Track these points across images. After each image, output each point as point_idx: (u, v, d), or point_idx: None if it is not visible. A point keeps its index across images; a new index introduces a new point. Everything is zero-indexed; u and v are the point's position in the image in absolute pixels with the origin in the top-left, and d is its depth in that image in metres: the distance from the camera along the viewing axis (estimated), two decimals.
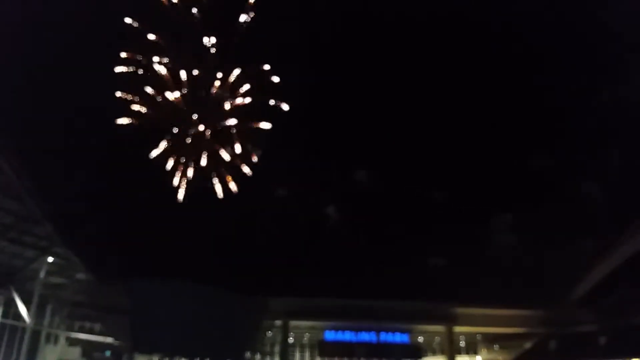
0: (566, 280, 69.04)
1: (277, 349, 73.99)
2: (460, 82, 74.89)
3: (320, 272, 71.32)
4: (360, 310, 70.37)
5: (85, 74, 61.32)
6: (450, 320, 72.16)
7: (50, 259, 58.57)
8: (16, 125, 51.59)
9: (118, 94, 62.88)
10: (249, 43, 64.69)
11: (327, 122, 74.46)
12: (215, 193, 68.91)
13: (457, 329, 73.25)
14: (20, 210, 51.70)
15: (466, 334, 76.47)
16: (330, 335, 72.08)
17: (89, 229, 60.76)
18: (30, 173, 50.60)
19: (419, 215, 79.46)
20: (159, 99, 64.79)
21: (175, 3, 62.61)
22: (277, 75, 66.30)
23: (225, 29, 64.44)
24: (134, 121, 64.28)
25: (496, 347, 77.34)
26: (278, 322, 71.67)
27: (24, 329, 58.18)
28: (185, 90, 65.27)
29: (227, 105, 66.96)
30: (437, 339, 76.77)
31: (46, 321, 63.81)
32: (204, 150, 68.56)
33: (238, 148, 68.46)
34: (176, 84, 64.76)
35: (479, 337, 77.37)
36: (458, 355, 74.36)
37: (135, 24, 61.52)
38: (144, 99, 64.41)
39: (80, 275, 62.49)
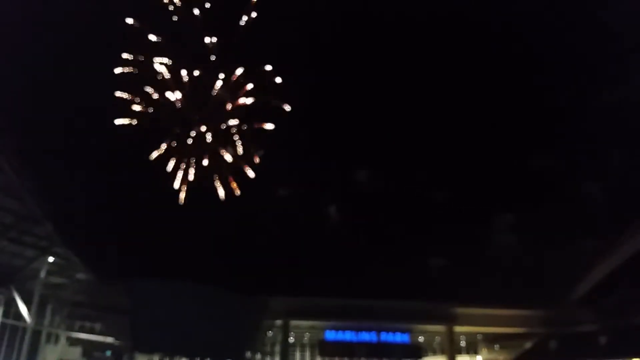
0: (566, 280, 69.09)
1: (277, 348, 73.98)
2: (460, 82, 74.93)
3: (320, 272, 71.40)
4: (360, 310, 70.39)
5: (86, 74, 61.37)
6: (450, 320, 72.16)
7: (50, 259, 58.62)
8: (17, 125, 51.60)
9: (119, 94, 62.84)
10: (250, 43, 64.69)
11: (327, 122, 74.50)
12: (216, 194, 68.89)
13: (458, 328, 73.23)
14: (21, 209, 51.73)
15: (466, 334, 76.45)
16: (330, 335, 72.08)
17: (90, 228, 60.77)
18: (31, 173, 50.69)
19: (420, 216, 79.54)
20: (160, 99, 64.77)
21: (176, 3, 62.61)
22: (278, 75, 66.29)
23: (227, 29, 64.41)
24: (134, 121, 64.28)
25: (497, 347, 77.32)
26: (278, 322, 71.68)
27: (24, 329, 58.24)
28: (186, 91, 65.23)
29: (228, 106, 66.89)
30: (438, 338, 76.76)
31: (47, 321, 63.84)
32: (206, 151, 68.53)
33: (240, 149, 68.39)
34: (177, 85, 64.74)
35: (479, 337, 77.34)
36: (458, 355, 74.36)
37: (136, 24, 61.55)
38: (145, 99, 64.42)
39: (81, 275, 62.54)
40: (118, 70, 61.58)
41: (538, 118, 74.10)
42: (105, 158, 65.01)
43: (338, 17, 73.51)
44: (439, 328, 73.95)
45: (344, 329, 72.15)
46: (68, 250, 57.55)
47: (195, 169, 68.03)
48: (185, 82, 64.98)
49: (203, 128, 67.47)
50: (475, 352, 77.24)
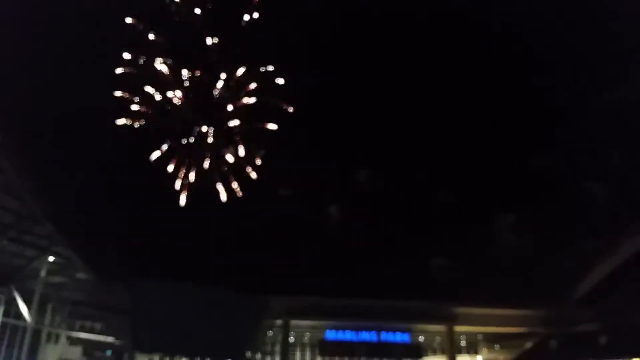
0: (567, 280, 69.09)
1: (277, 348, 73.91)
2: (461, 83, 74.90)
3: (321, 271, 71.38)
4: (361, 309, 70.44)
5: (87, 73, 61.39)
6: (450, 319, 72.18)
7: (51, 258, 58.75)
8: (17, 124, 51.65)
9: (119, 94, 62.84)
10: (252, 43, 64.68)
11: (327, 122, 74.48)
12: (217, 194, 68.85)
13: (458, 328, 73.24)
14: (21, 209, 51.89)
15: (467, 334, 76.38)
16: (331, 335, 72.11)
17: (90, 228, 60.79)
18: (31, 172, 50.77)
19: (420, 215, 79.51)
20: (161, 99, 64.73)
21: (177, 2, 62.59)
22: (279, 75, 66.23)
23: (228, 29, 64.37)
24: (135, 121, 64.26)
25: (497, 346, 77.24)
26: (279, 322, 71.67)
27: (25, 328, 58.38)
28: (187, 91, 65.16)
29: (230, 107, 66.80)
30: (438, 338, 76.69)
31: (47, 320, 64.00)
32: (207, 152, 68.46)
33: (242, 150, 68.31)
34: (178, 85, 64.69)
35: (479, 336, 77.26)
36: (459, 354, 74.34)
37: (137, 24, 61.54)
38: (146, 100, 64.39)
39: (81, 275, 62.58)
40: (119, 71, 61.71)
41: (538, 118, 74.10)
42: (106, 158, 65.01)
43: (339, 17, 73.53)
44: (439, 328, 73.95)
45: (344, 328, 72.18)
46: (68, 250, 57.65)
47: (197, 170, 67.99)
48: (187, 83, 64.98)
49: (204, 128, 67.44)
50: (476, 352, 77.20)
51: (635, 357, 58.16)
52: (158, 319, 58.48)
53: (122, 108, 62.32)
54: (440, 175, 77.77)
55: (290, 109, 66.67)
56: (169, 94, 64.01)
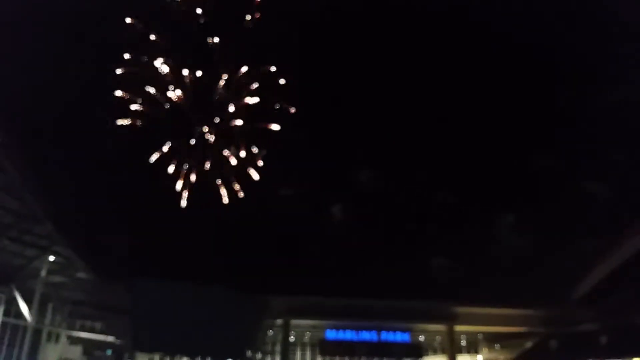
0: (567, 280, 69.10)
1: (278, 347, 74.00)
2: (462, 83, 74.81)
3: (321, 271, 71.23)
4: (361, 309, 70.51)
5: (87, 73, 61.38)
6: (451, 319, 72.25)
7: (51, 258, 58.84)
8: (18, 124, 51.67)
9: (120, 94, 62.79)
10: (253, 43, 64.59)
11: (327, 121, 74.33)
12: (218, 195, 68.74)
13: (458, 328, 73.31)
14: (22, 209, 52.00)
15: (467, 333, 76.41)
16: (331, 334, 72.19)
17: (90, 227, 60.84)
18: (31, 172, 50.82)
19: (420, 215, 79.43)
20: (162, 99, 64.61)
21: (178, 2, 62.50)
22: (281, 74, 66.12)
23: (230, 28, 64.26)
24: (136, 122, 64.19)
25: (497, 346, 77.32)
26: (279, 321, 71.74)
27: (25, 328, 58.51)
28: (188, 91, 65.01)
29: (231, 107, 66.64)
30: (438, 338, 76.74)
31: (47, 320, 64.12)
32: (208, 152, 68.31)
33: (243, 151, 68.15)
34: (179, 85, 64.57)
35: (480, 336, 77.27)
36: (459, 354, 74.41)
37: (137, 24, 61.44)
38: (147, 100, 64.31)
39: (81, 274, 62.68)
40: (119, 71, 61.63)
41: (538, 118, 73.99)
42: (106, 158, 64.98)
43: (341, 17, 73.42)
44: (440, 327, 74.01)
45: (344, 328, 72.28)
46: (68, 250, 57.74)
47: (198, 171, 67.86)
48: (188, 82, 64.85)
49: (205, 129, 67.29)
50: (476, 352, 77.26)
51: (636, 357, 58.25)
52: (158, 319, 58.54)
53: (122, 108, 62.26)
54: (440, 175, 77.66)
55: (292, 110, 66.64)
56: (170, 93, 63.93)
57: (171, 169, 66.45)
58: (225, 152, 67.51)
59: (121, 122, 62.70)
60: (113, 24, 59.38)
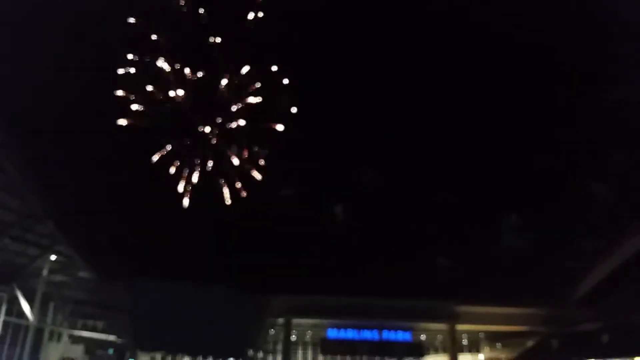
0: (569, 279, 69.03)
1: (279, 347, 74.16)
2: (463, 84, 74.71)
3: (322, 270, 71.19)
4: (362, 308, 70.54)
5: (88, 73, 61.41)
6: (452, 318, 72.23)
7: (53, 257, 59.02)
8: (18, 123, 51.79)
9: (121, 93, 62.80)
10: (255, 42, 64.55)
11: (328, 121, 74.28)
12: (218, 194, 68.72)
13: (460, 327, 73.27)
14: (23, 208, 52.18)
15: (469, 332, 76.40)
16: (332, 333, 72.26)
17: (91, 227, 60.92)
18: (33, 171, 50.96)
19: (422, 214, 79.33)
20: (163, 98, 64.58)
21: (180, 1, 62.46)
22: (282, 74, 66.03)
23: (232, 28, 64.20)
24: (137, 121, 64.19)
25: (499, 345, 77.30)
26: (280, 320, 71.86)
27: (27, 327, 58.71)
28: (190, 91, 64.96)
29: (233, 107, 66.58)
30: (440, 337, 76.78)
31: (49, 319, 64.35)
32: (210, 153, 68.24)
33: (246, 151, 68.09)
34: (181, 84, 64.54)
35: (481, 335, 77.27)
36: (460, 353, 74.40)
37: (139, 23, 61.40)
38: (148, 99, 64.30)
39: (83, 273, 62.87)
40: (121, 71, 61.62)
41: (538, 118, 73.85)
42: (107, 157, 65.03)
43: (342, 17, 73.36)
44: (441, 326, 74.00)
45: (346, 327, 72.38)
46: (70, 249, 57.89)
47: (199, 172, 67.83)
48: (189, 82, 64.83)
49: (207, 129, 67.23)
50: (478, 351, 77.26)
51: (637, 356, 58.16)
52: (160, 318, 58.66)
53: (123, 108, 62.27)
54: (441, 175, 77.56)
55: (294, 109, 66.58)
56: (171, 93, 63.92)
57: (172, 169, 66.57)
58: (228, 152, 67.49)
59: (122, 122, 62.76)
60: (114, 23, 59.34)
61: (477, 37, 71.52)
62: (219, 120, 65.48)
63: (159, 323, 58.38)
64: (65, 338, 66.35)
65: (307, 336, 76.63)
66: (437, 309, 71.82)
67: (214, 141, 66.43)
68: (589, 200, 70.19)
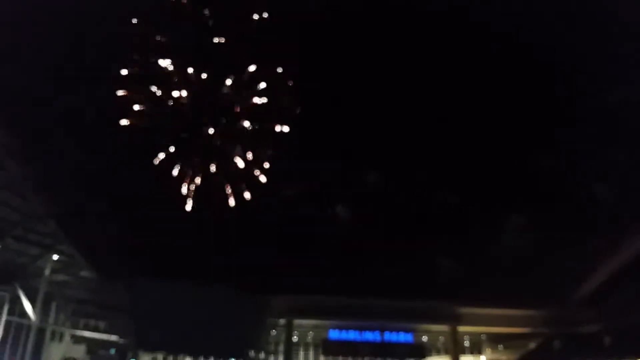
0: (570, 280, 68.94)
1: (281, 347, 74.20)
2: (464, 83, 74.75)
3: (324, 271, 71.22)
4: (364, 309, 70.48)
5: (91, 73, 61.56)
6: (454, 319, 72.10)
7: (55, 257, 59.10)
8: (20, 123, 51.94)
9: (124, 93, 62.86)
10: (260, 43, 64.60)
11: (330, 122, 74.34)
12: (220, 195, 68.70)
13: (462, 328, 73.12)
14: (25, 207, 52.27)
15: (470, 334, 76.31)
16: (334, 334, 72.17)
17: (93, 226, 61.03)
18: (35, 170, 51.10)
19: (423, 215, 79.27)
20: (166, 99, 64.59)
21: (183, 2, 62.49)
22: (286, 75, 66.02)
23: (236, 28, 64.23)
24: (139, 122, 64.25)
25: (500, 347, 77.21)
26: (282, 321, 71.82)
27: (29, 327, 58.78)
28: (193, 91, 64.94)
29: (237, 108, 66.54)
30: (442, 338, 76.69)
31: (51, 319, 64.39)
32: (213, 155, 68.16)
33: (250, 152, 68.00)
34: (184, 85, 64.54)
35: (483, 336, 77.22)
36: (462, 355, 74.20)
37: (142, 23, 61.46)
38: (151, 100, 64.33)
39: (85, 273, 62.94)
40: (124, 72, 61.69)
41: (539, 118, 73.82)
42: (109, 157, 65.15)
43: (343, 18, 73.45)
44: (443, 328, 73.86)
45: (347, 328, 72.26)
46: (72, 248, 57.98)
47: (203, 174, 67.74)
48: (193, 82, 64.81)
49: (211, 130, 67.15)
50: (479, 352, 77.17)
51: (639, 357, 57.97)
52: (161, 318, 58.73)
53: (125, 108, 62.37)
54: (443, 175, 77.57)
55: (298, 111, 66.61)
56: (175, 93, 63.94)
57: (175, 171, 66.61)
58: (232, 154, 67.44)
59: (124, 122, 62.84)
60: (116, 23, 59.50)
61: (477, 37, 71.63)
62: (223, 121, 65.62)
63: (161, 323, 58.43)
64: (67, 338, 66.39)
65: (309, 337, 76.61)
66: (439, 310, 71.72)
67: (217, 142, 66.56)
68: (590, 201, 70.14)
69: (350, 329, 72.25)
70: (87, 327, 68.49)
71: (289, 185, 76.12)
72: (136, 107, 62.59)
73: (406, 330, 72.81)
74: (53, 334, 64.57)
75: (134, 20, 59.44)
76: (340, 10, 70.93)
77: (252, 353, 69.33)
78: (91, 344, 67.61)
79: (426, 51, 72.87)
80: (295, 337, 74.00)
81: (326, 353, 73.03)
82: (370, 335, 72.03)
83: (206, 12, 61.77)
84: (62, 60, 57.82)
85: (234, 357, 64.91)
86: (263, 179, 67.03)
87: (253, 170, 66.59)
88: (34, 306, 58.08)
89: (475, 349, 77.18)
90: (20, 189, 49.99)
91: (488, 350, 77.35)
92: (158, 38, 61.05)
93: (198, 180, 66.63)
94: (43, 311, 60.58)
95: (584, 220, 68.23)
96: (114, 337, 66.48)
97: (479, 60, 72.98)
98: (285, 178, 73.35)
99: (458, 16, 70.40)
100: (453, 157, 76.05)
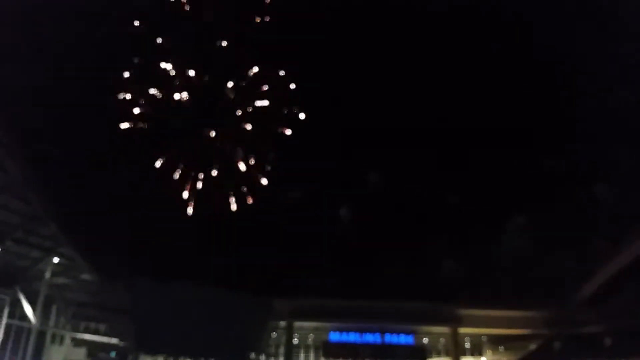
0: (571, 282, 68.99)
1: (281, 350, 74.06)
2: (464, 84, 74.94)
3: (324, 273, 71.35)
4: (365, 311, 70.33)
5: (93, 75, 61.54)
6: (455, 321, 72.05)
7: (55, 260, 58.91)
8: (21, 125, 51.91)
9: (125, 96, 62.85)
10: (262, 46, 64.64)
11: (332, 123, 74.42)
12: (223, 198, 68.63)
13: (462, 330, 73.05)
14: (26, 210, 52.09)
15: (471, 335, 76.20)
16: (334, 337, 72.11)
17: (94, 229, 60.93)
18: (36, 174, 50.99)
19: (424, 217, 79.34)
20: (168, 102, 64.55)
21: (185, 4, 62.49)
22: (287, 77, 65.99)
23: (239, 31, 64.24)
24: (140, 124, 64.22)
25: (501, 348, 77.14)
26: (282, 323, 71.74)
27: (29, 330, 58.57)
28: (195, 94, 64.86)
29: (239, 112, 66.48)
30: (442, 340, 76.53)
31: (52, 322, 64.19)
32: (215, 159, 68.04)
33: (251, 154, 67.91)
34: (186, 87, 64.49)
35: (484, 338, 77.13)
36: (463, 356, 74.09)
37: (144, 26, 61.43)
38: (152, 102, 64.28)
39: (85, 276, 62.75)
40: (126, 74, 61.67)
41: (541, 120, 73.99)
42: (110, 159, 65.11)
43: (344, 19, 73.56)
44: (444, 329, 73.83)
45: (348, 330, 72.18)
46: (73, 251, 57.83)
47: (204, 178, 67.59)
48: (195, 85, 64.70)
49: (212, 133, 67.04)
50: (480, 354, 77.05)
51: None
52: (161, 321, 58.55)
53: (126, 110, 62.38)
54: (445, 177, 77.74)
55: (302, 116, 66.59)
56: (176, 96, 63.88)
57: (176, 173, 66.55)
58: (233, 157, 67.35)
59: (124, 125, 62.83)
60: (117, 25, 59.53)
61: (478, 38, 71.88)
62: (225, 124, 65.59)
63: (161, 326, 58.27)
64: (67, 341, 66.24)
65: (309, 339, 76.41)
66: (440, 312, 71.72)
67: (218, 144, 66.56)
68: (591, 204, 70.24)
69: (351, 331, 72.18)
70: (87, 330, 68.36)
71: (290, 188, 76.16)
72: (136, 110, 62.75)
73: (407, 332, 72.78)
74: (53, 337, 64.37)
75: (136, 23, 59.55)
76: (341, 11, 71.09)
77: (252, 355, 69.23)
78: (91, 346, 67.50)
79: (427, 52, 73.11)
80: (295, 339, 73.90)
81: (327, 355, 72.86)
82: (370, 337, 71.98)
83: (207, 14, 61.85)
84: (62, 62, 57.78)
85: None
86: (264, 182, 67.06)
87: (254, 174, 66.60)
88: (34, 309, 57.88)
89: (476, 351, 77.06)
90: (20, 192, 49.80)
91: (489, 352, 77.25)
92: (159, 41, 61.10)
93: (199, 183, 66.68)
94: (43, 314, 60.38)
95: (585, 222, 68.38)
96: (114, 340, 66.36)
97: (479, 61, 73.22)
98: (286, 180, 73.40)
99: (459, 17, 70.65)
100: (453, 159, 76.22)
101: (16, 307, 57.92)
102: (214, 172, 67.16)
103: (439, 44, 73.31)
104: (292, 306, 69.72)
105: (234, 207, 67.73)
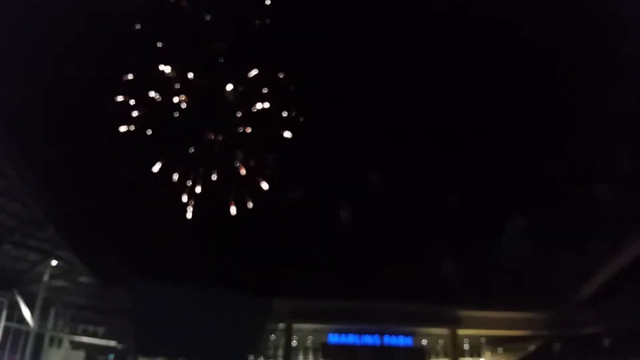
0: (570, 283, 69.00)
1: (280, 352, 73.94)
2: (464, 84, 74.95)
3: (324, 274, 71.23)
4: (364, 313, 70.24)
5: (92, 78, 61.37)
6: (454, 322, 72.04)
7: (53, 262, 58.65)
8: (19, 128, 51.64)
9: (124, 99, 62.68)
10: (262, 48, 64.56)
11: (332, 124, 74.35)
12: (223, 200, 68.47)
13: (461, 331, 73.11)
14: (24, 213, 51.81)
15: (470, 337, 76.20)
16: (333, 338, 72.04)
17: (92, 231, 60.74)
18: (34, 176, 50.77)
19: (423, 219, 79.29)
20: (167, 105, 64.37)
21: (185, 7, 62.35)
22: (287, 79, 65.86)
23: (238, 34, 64.12)
24: (139, 127, 64.03)
25: (500, 349, 77.14)
26: (281, 325, 71.56)
27: (27, 333, 58.29)
28: (194, 97, 64.67)
29: (239, 114, 66.29)
30: (441, 341, 76.54)
31: (50, 324, 63.90)
32: (215, 160, 67.83)
33: (251, 159, 67.75)
34: (185, 90, 64.30)
35: (483, 339, 77.12)
36: (462, 358, 74.26)
37: (145, 29, 61.25)
38: (151, 106, 64.09)
39: (84, 279, 62.51)
40: (126, 77, 61.50)
41: (541, 121, 74.04)
42: (109, 162, 64.95)
43: (345, 20, 73.50)
44: (443, 331, 73.87)
45: (347, 332, 72.12)
46: (71, 254, 57.61)
47: (203, 182, 67.37)
48: (194, 88, 64.49)
49: (212, 136, 66.83)
50: (479, 355, 77.06)
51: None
52: (160, 323, 58.30)
53: (125, 113, 62.22)
54: (444, 179, 77.71)
55: (302, 119, 66.50)
56: (175, 99, 63.67)
57: (175, 175, 66.36)
58: (233, 160, 67.16)
59: (124, 128, 62.66)
60: (117, 25, 59.38)
61: (478, 38, 71.87)
62: (224, 126, 65.43)
63: (160, 327, 58.03)
64: (65, 344, 65.99)
65: (308, 341, 76.32)
66: (439, 314, 71.68)
67: (218, 147, 66.40)
68: (591, 204, 70.22)
69: (350, 332, 72.11)
70: (85, 333, 68.18)
71: (289, 188, 76.07)
72: (137, 113, 62.58)
73: (406, 334, 72.77)
74: (52, 339, 64.09)
75: (137, 27, 59.39)
76: (340, 13, 71.01)
77: (251, 357, 69.02)
78: (90, 349, 67.27)
79: (428, 53, 73.09)
80: (294, 341, 73.78)
81: (326, 357, 72.80)
82: (369, 339, 71.98)
83: (207, 17, 61.72)
84: (62, 63, 57.62)
85: None
86: (265, 186, 66.90)
87: (254, 176, 66.45)
88: (32, 312, 57.57)
89: (475, 352, 77.05)
90: (18, 194, 49.53)
91: (488, 353, 77.27)
92: (159, 44, 60.96)
93: (198, 186, 66.53)
94: (42, 317, 60.06)
95: (585, 222, 68.37)
96: (112, 343, 66.12)
97: (479, 61, 73.23)
98: (286, 181, 73.33)
99: (459, 17, 70.63)
100: (453, 160, 76.18)
101: (14, 310, 57.63)
102: (214, 176, 66.96)
103: (438, 45, 73.33)
104: (291, 308, 69.52)
105: (233, 211, 67.56)
